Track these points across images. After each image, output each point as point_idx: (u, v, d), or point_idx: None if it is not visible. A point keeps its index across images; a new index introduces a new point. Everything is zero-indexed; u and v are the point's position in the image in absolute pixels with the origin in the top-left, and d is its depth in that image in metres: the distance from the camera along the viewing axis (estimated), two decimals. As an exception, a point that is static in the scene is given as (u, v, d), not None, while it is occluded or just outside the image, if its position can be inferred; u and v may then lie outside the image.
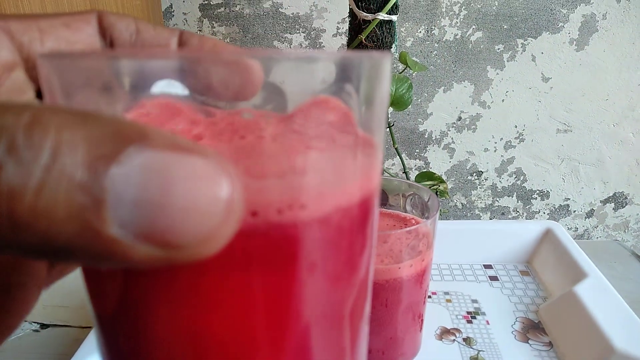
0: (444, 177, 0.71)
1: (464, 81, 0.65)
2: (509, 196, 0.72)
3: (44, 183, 0.07)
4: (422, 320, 0.39)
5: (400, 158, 0.57)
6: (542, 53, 0.63)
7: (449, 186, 0.72)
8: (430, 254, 0.36)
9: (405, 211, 0.40)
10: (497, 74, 0.65)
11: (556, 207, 0.73)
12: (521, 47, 0.63)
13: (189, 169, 0.08)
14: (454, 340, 0.40)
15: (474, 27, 0.62)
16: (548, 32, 0.62)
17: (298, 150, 0.12)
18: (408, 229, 0.35)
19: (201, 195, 0.08)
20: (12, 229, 0.08)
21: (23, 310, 0.14)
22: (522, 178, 0.71)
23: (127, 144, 0.08)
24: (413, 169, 0.71)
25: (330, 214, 0.11)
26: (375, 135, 0.13)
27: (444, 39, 0.63)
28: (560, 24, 0.61)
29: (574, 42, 0.62)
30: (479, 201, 0.73)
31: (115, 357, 0.13)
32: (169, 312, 0.11)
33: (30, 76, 0.15)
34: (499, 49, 0.63)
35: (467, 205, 0.73)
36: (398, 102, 0.55)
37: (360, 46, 0.53)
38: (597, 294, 0.39)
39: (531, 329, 0.41)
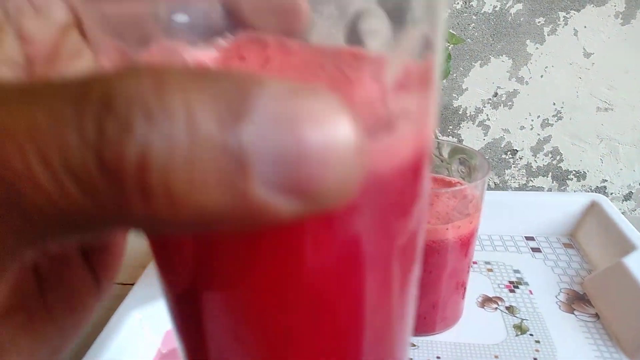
0: (477, 156, 0.69)
1: (502, 55, 0.63)
2: (543, 176, 0.71)
3: (191, 151, 0.07)
4: (465, 289, 0.38)
5: (434, 134, 0.56)
6: (585, 27, 0.61)
7: (482, 165, 0.70)
8: (478, 217, 0.35)
9: (451, 175, 0.39)
10: (537, 48, 0.63)
11: (592, 188, 0.71)
12: (563, 20, 0.61)
13: (313, 111, 0.08)
14: (496, 308, 0.39)
15: (514, -1, 0.60)
16: (592, 5, 0.60)
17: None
18: (455, 188, 0.34)
19: (331, 136, 0.08)
20: (170, 205, 0.07)
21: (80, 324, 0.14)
22: (558, 158, 0.69)
23: (250, 95, 0.07)
24: (445, 146, 0.70)
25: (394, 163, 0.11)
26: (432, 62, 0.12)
27: (482, 11, 0.61)
28: (606, -4, 0.59)
29: (620, 16, 0.60)
30: (513, 181, 0.71)
31: (198, 335, 0.12)
32: (255, 273, 0.11)
33: (84, 34, 0.14)
34: (539, 22, 0.61)
35: (500, 184, 0.72)
36: (436, 74, 0.54)
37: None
38: (648, 266, 0.38)
39: (576, 300, 0.39)
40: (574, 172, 0.70)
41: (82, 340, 0.42)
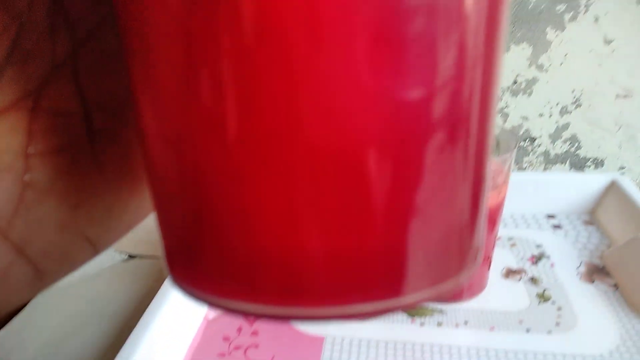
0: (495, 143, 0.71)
1: (523, 42, 0.65)
2: (561, 163, 0.72)
3: None
4: (490, 261, 0.40)
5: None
6: (606, 14, 0.62)
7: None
8: (506, 189, 0.37)
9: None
10: (557, 35, 0.64)
11: (610, 175, 0.72)
12: (584, 7, 0.62)
13: None
14: (520, 279, 0.41)
15: (536, -13, 0.62)
16: (613, -7, 0.61)
17: None
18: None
19: None
20: None
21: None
22: (576, 145, 0.71)
23: None
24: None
25: None
26: None
27: None
28: (627, -16, 0.60)
29: (640, 4, 0.61)
30: (530, 168, 0.73)
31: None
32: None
33: None
34: (559, 9, 0.63)
35: (518, 172, 0.73)
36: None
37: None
38: (667, 240, 0.39)
39: (596, 272, 0.41)
40: (591, 159, 0.71)
41: (133, 310, 0.44)
